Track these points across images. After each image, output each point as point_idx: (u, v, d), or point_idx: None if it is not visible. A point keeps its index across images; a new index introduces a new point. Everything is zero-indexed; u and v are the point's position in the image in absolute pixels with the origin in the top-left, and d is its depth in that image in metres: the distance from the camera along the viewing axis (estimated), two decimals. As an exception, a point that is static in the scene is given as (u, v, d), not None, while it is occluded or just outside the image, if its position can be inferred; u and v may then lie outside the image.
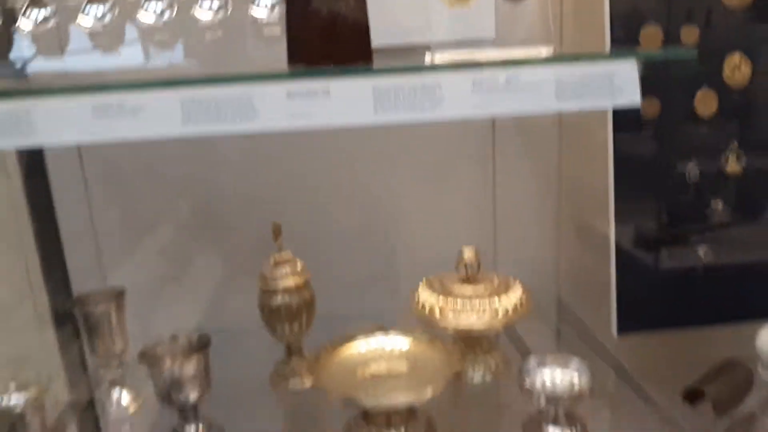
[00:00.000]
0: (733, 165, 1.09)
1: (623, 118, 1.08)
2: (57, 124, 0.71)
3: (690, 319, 1.12)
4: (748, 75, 1.08)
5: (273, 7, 0.85)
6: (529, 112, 0.73)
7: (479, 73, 0.72)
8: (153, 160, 1.22)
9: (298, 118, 0.73)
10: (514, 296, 1.07)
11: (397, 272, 1.29)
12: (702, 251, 1.09)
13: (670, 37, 1.06)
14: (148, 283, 1.24)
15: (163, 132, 0.73)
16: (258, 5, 0.86)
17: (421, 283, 1.12)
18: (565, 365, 0.94)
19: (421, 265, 1.16)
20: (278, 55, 0.80)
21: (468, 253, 1.09)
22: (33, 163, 1.17)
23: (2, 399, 0.87)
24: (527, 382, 0.92)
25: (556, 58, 0.74)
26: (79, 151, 1.19)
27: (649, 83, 1.06)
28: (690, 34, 1.07)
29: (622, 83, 0.73)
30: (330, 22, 0.76)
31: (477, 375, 1.10)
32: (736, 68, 1.07)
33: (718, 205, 1.09)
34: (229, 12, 0.86)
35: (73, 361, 1.20)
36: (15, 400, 0.87)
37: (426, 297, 1.09)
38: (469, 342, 1.11)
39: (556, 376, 0.93)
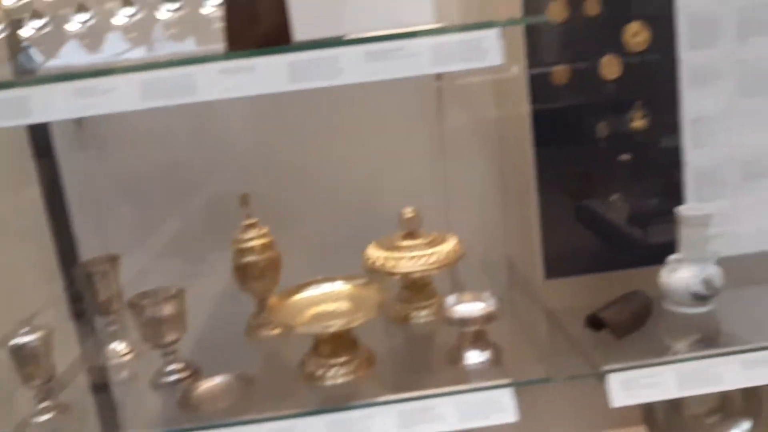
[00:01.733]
0: (638, 121, 1.24)
1: (539, 86, 1.24)
2: (48, 105, 0.91)
3: (609, 264, 1.27)
4: (646, 40, 1.22)
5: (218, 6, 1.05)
6: (413, 75, 0.90)
7: (370, 45, 0.90)
8: (146, 142, 1.43)
9: (230, 91, 0.91)
10: (446, 246, 1.23)
11: (357, 233, 1.45)
12: (614, 200, 1.24)
13: (576, 9, 1.22)
14: (145, 249, 1.45)
15: (126, 107, 0.92)
16: (207, 6, 1.07)
17: (370, 245, 1.29)
18: (477, 298, 1.11)
19: (379, 227, 1.32)
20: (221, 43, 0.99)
21: (408, 212, 1.26)
22: (42, 144, 1.39)
23: (19, 337, 1.07)
24: (448, 311, 1.09)
25: (433, 30, 0.90)
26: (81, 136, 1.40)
27: (557, 53, 1.24)
28: (592, 6, 1.22)
29: (487, 47, 0.89)
30: (255, 16, 0.95)
31: (419, 315, 1.26)
32: (635, 35, 1.22)
33: (625, 157, 1.24)
34: (185, 12, 1.06)
35: (78, 318, 1.40)
36: (29, 338, 1.07)
37: (374, 252, 1.26)
38: (415, 289, 1.28)
39: (471, 306, 1.10)
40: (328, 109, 1.43)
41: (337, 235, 1.46)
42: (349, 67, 0.90)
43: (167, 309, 1.13)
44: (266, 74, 0.91)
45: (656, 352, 1.05)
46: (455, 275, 1.39)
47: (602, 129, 1.24)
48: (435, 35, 0.90)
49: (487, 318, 1.06)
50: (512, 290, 1.34)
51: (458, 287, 1.38)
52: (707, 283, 1.13)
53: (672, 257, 1.15)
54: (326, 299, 1.16)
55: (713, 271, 1.14)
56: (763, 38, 1.22)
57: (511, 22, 0.90)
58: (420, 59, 0.90)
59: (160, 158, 1.43)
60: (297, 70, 0.91)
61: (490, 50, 0.89)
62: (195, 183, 1.44)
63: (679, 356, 1.01)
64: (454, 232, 1.34)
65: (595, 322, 1.12)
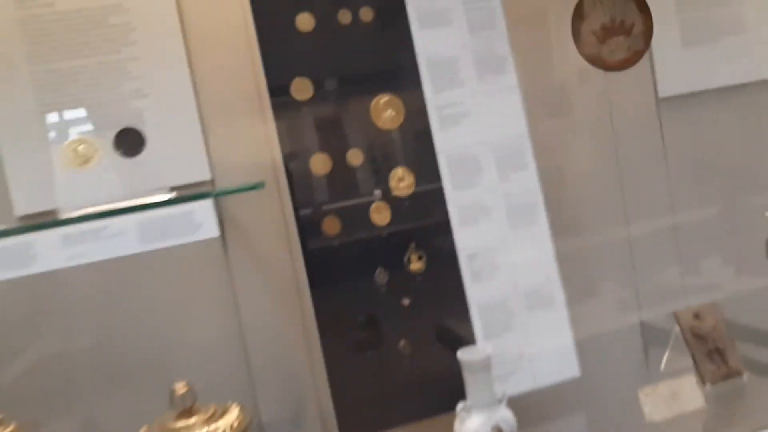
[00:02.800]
0: (415, 263, 1.21)
1: (311, 235, 1.19)
2: None
3: (408, 415, 1.19)
4: (412, 183, 1.22)
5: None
6: (120, 255, 0.81)
7: (67, 228, 0.81)
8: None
9: None
10: (227, 420, 1.11)
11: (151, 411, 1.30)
12: (402, 347, 1.18)
13: (339, 160, 1.21)
14: None
15: None
16: None
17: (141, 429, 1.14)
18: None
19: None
20: None
21: (179, 388, 1.13)
22: None
23: None
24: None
25: (140, 206, 0.83)
26: None
27: (326, 201, 1.21)
28: (355, 157, 1.22)
29: (201, 219, 0.83)
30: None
31: (202, 508, 1.11)
32: (401, 179, 1.22)
33: (406, 301, 1.20)
34: None
35: None
36: None
37: (145, 439, 1.11)
38: (197, 474, 1.13)
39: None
40: (104, 280, 1.30)
41: (121, 416, 1.30)
42: (44, 254, 0.81)
43: None
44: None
45: None
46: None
47: (381, 275, 1.20)
48: (142, 211, 0.83)
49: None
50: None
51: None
52: (498, 430, 1.07)
53: (460, 405, 1.09)
54: None
55: (503, 416, 1.08)
56: (522, 173, 1.25)
57: (225, 192, 0.85)
58: (126, 238, 0.82)
59: None
60: (-17, 263, 0.80)
61: (204, 222, 0.83)
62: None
63: None
64: (260, 392, 1.23)
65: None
